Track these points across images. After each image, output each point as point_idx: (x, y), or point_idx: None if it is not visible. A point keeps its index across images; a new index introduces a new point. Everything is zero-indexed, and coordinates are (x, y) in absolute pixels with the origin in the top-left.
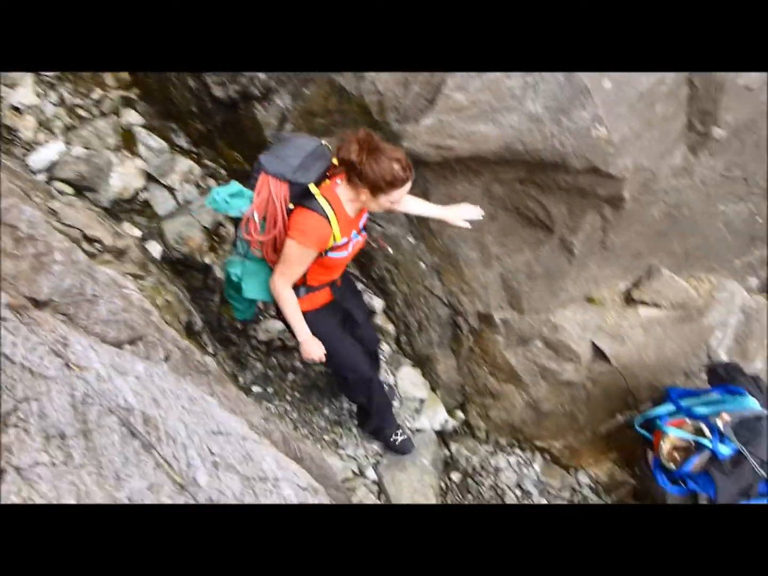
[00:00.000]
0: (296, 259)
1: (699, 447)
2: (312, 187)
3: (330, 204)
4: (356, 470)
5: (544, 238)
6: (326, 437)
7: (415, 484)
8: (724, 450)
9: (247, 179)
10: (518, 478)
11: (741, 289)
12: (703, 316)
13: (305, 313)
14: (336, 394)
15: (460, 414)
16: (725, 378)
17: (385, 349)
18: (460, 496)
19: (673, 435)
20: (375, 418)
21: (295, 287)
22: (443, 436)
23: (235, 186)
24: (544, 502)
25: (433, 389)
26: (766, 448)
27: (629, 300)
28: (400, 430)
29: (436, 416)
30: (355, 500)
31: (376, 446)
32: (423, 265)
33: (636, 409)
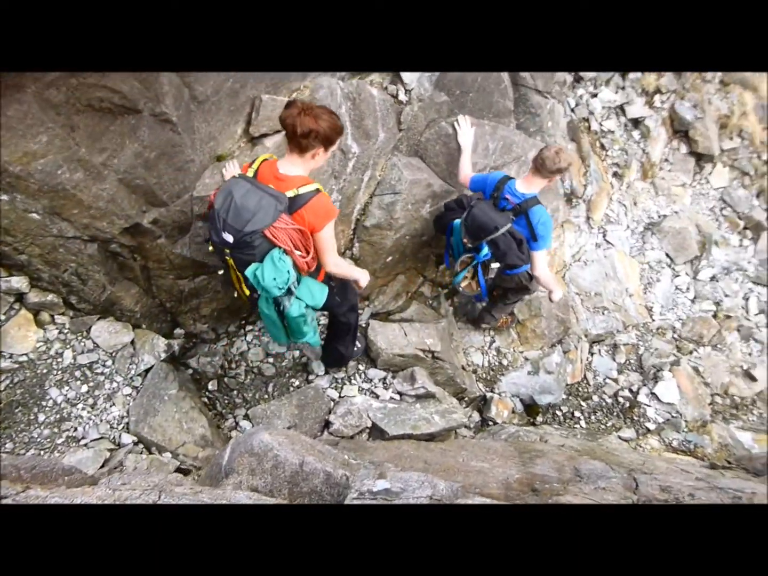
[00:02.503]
0: (333, 234)
1: (476, 271)
2: (292, 193)
3: (306, 184)
4: (112, 445)
5: (135, 121)
6: (59, 440)
7: (176, 417)
8: (483, 252)
9: None
10: (263, 347)
11: (334, 80)
12: None
13: (326, 281)
14: (43, 395)
15: (177, 331)
16: (438, 228)
17: (61, 320)
18: (227, 397)
19: (460, 281)
20: (354, 334)
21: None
22: (176, 360)
23: (267, 263)
24: (295, 354)
25: (135, 326)
26: (485, 221)
27: (252, 139)
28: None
29: (155, 348)
30: (130, 469)
31: (116, 411)
32: (36, 216)
33: None
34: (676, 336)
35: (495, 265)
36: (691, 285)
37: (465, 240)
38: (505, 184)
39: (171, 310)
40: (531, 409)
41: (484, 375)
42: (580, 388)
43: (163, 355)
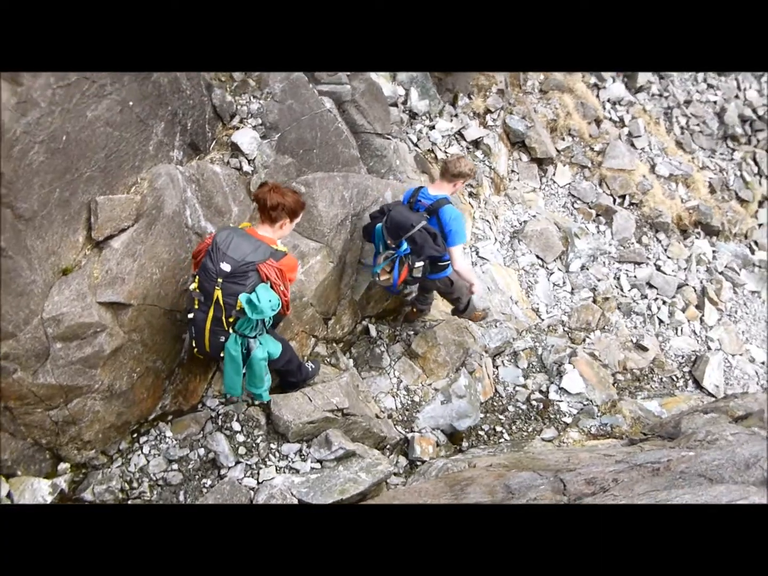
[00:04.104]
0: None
1: (401, 262)
2: (274, 247)
3: (277, 246)
4: None
5: None
6: None
7: None
8: (403, 248)
9: None
10: (163, 456)
11: (172, 166)
12: (162, 208)
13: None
14: None
15: (62, 466)
16: (366, 236)
17: None
18: None
19: (378, 273)
20: (298, 368)
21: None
22: (67, 498)
23: (261, 290)
24: (200, 452)
25: (9, 476)
26: (401, 220)
27: (98, 244)
28: (308, 362)
29: (38, 492)
30: None
31: None
32: None
33: (184, 320)
34: (566, 329)
35: (419, 264)
36: (565, 278)
37: (388, 241)
38: (419, 191)
39: (48, 445)
40: (454, 437)
41: (400, 417)
42: (494, 403)
43: (50, 498)
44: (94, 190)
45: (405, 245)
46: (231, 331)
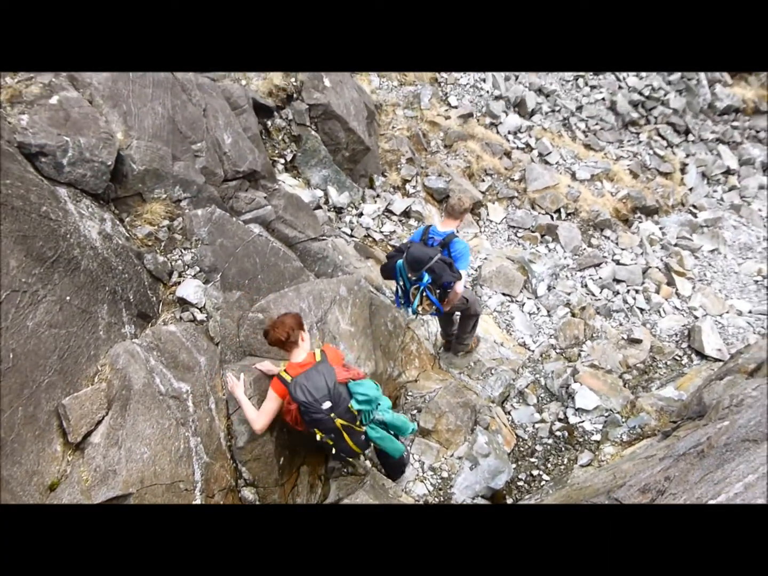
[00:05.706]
0: None
1: (431, 291)
2: (316, 352)
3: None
4: None
5: None
6: None
7: None
8: (425, 279)
9: None
10: None
11: (128, 342)
12: (131, 386)
13: None
14: None
15: None
16: (385, 274)
17: None
18: None
19: (416, 308)
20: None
21: None
22: None
23: (355, 387)
24: None
25: None
26: (420, 255)
27: (77, 446)
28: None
29: None
30: None
31: None
32: None
33: (188, 488)
34: (558, 351)
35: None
36: (538, 304)
37: (409, 274)
38: (429, 229)
39: None
40: (496, 497)
41: (436, 499)
42: (520, 449)
43: None
44: (58, 395)
45: (426, 276)
46: (364, 428)
